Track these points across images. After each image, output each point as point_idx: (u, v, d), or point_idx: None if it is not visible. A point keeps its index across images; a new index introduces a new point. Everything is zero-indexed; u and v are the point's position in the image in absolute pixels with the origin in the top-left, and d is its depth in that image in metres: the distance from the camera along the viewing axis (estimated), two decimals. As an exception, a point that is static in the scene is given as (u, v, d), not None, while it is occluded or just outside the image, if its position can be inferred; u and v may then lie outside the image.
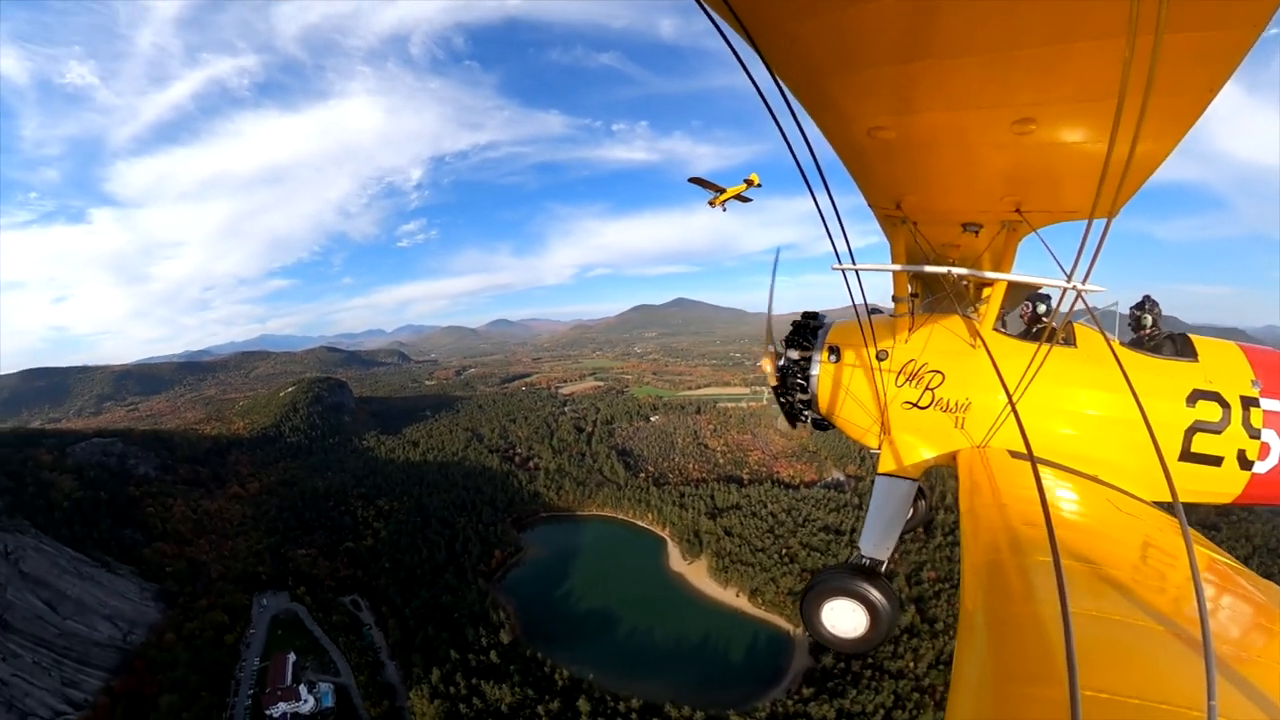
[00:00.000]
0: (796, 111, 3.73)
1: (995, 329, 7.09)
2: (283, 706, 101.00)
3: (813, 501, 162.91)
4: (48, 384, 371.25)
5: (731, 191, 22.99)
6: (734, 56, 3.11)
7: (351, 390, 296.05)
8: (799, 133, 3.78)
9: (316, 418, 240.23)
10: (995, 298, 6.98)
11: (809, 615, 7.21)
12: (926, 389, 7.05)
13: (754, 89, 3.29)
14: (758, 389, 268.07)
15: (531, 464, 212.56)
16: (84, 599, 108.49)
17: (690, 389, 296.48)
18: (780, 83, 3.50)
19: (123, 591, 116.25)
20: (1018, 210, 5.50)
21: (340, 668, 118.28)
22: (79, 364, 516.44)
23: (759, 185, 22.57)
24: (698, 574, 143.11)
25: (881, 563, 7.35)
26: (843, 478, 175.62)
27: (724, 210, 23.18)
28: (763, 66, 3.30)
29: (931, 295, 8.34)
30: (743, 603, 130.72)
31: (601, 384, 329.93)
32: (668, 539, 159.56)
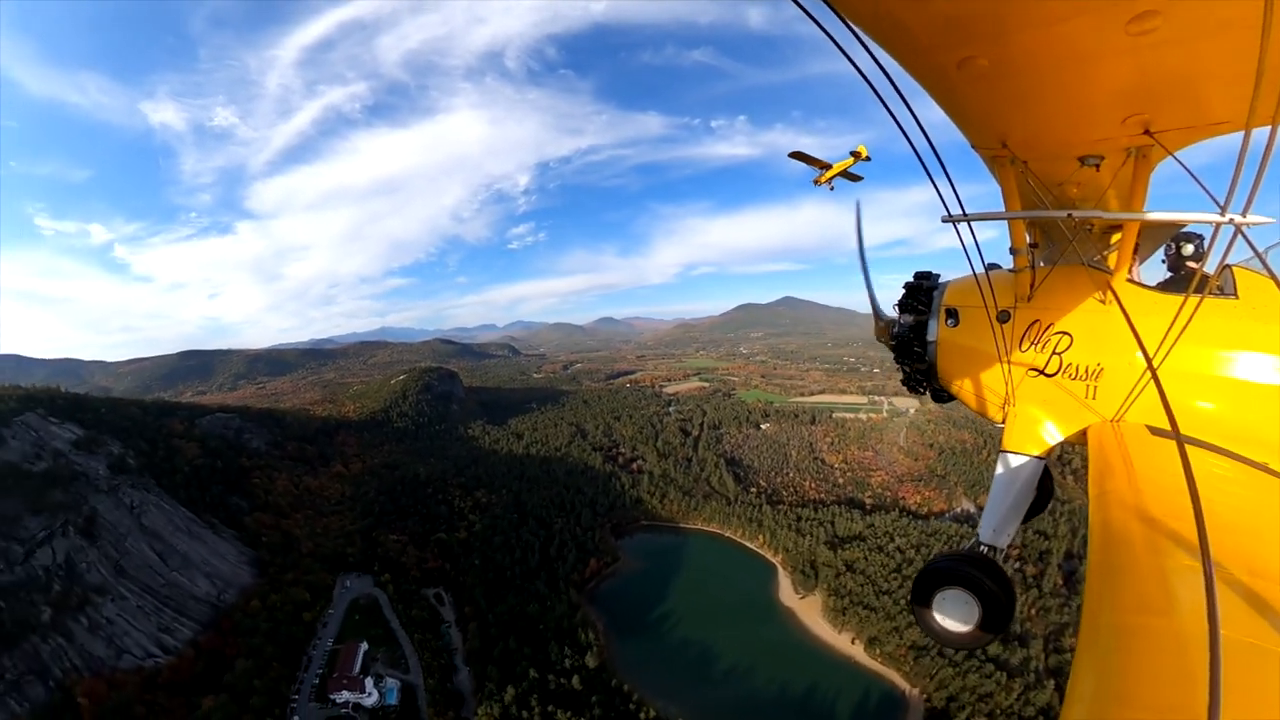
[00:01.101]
0: (887, 65, 3.73)
1: (1129, 279, 6.71)
2: (346, 695, 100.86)
3: (944, 537, 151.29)
4: (198, 363, 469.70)
5: (838, 167, 22.40)
6: (802, 10, 3.11)
7: (461, 380, 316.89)
8: (894, 92, 3.77)
9: (425, 405, 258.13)
10: (1127, 242, 6.53)
11: (918, 603, 7.09)
12: (1053, 353, 6.75)
13: (842, 55, 3.39)
14: (876, 398, 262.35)
15: (635, 466, 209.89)
16: (190, 555, 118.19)
17: (802, 395, 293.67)
18: (856, 29, 3.47)
19: (223, 553, 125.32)
20: (1146, 132, 4.90)
21: (411, 665, 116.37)
22: (224, 348, 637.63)
23: (868, 159, 21.76)
24: (810, 611, 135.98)
25: (1000, 551, 7.06)
26: (974, 509, 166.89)
27: (830, 189, 22.92)
28: (838, 21, 3.31)
29: (1053, 245, 7.96)
30: (857, 651, 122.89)
31: (707, 385, 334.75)
32: (779, 567, 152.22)
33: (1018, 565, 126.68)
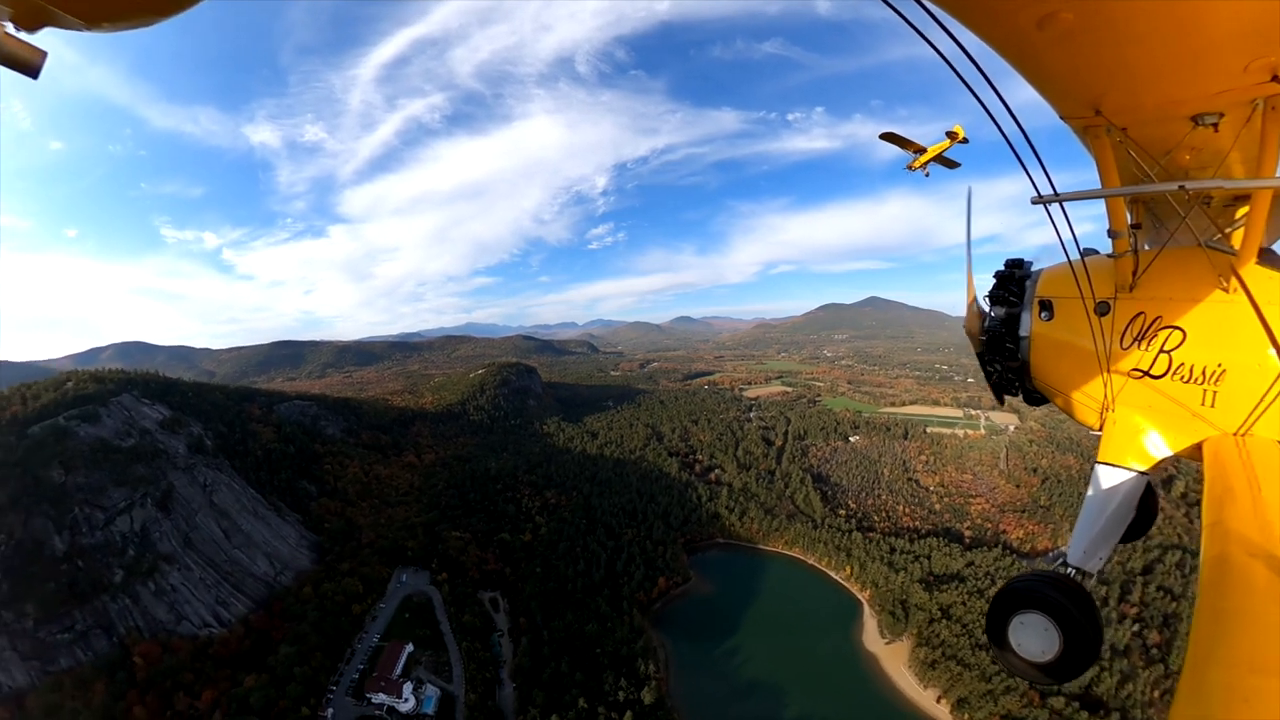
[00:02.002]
0: (967, 42, 3.67)
1: (1260, 263, 6.02)
2: (382, 697, 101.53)
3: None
4: (290, 352, 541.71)
5: (933, 151, 22.21)
6: None
7: (540, 376, 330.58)
8: (975, 68, 3.72)
9: (502, 399, 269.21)
10: (1256, 217, 5.77)
11: (994, 628, 6.85)
12: (1161, 351, 6.33)
13: (914, 31, 3.35)
14: (972, 412, 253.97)
15: (713, 476, 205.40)
16: (252, 535, 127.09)
17: (893, 405, 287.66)
18: (925, 1, 3.37)
19: (285, 535, 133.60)
20: (1276, 78, 4.30)
21: (454, 674, 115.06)
22: (315, 339, 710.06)
23: (965, 141, 21.78)
24: (895, 660, 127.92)
25: (1089, 575, 6.76)
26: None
27: (926, 174, 22.67)
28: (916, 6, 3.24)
29: (1160, 224, 7.30)
30: (942, 713, 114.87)
31: (789, 390, 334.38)
32: (865, 604, 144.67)
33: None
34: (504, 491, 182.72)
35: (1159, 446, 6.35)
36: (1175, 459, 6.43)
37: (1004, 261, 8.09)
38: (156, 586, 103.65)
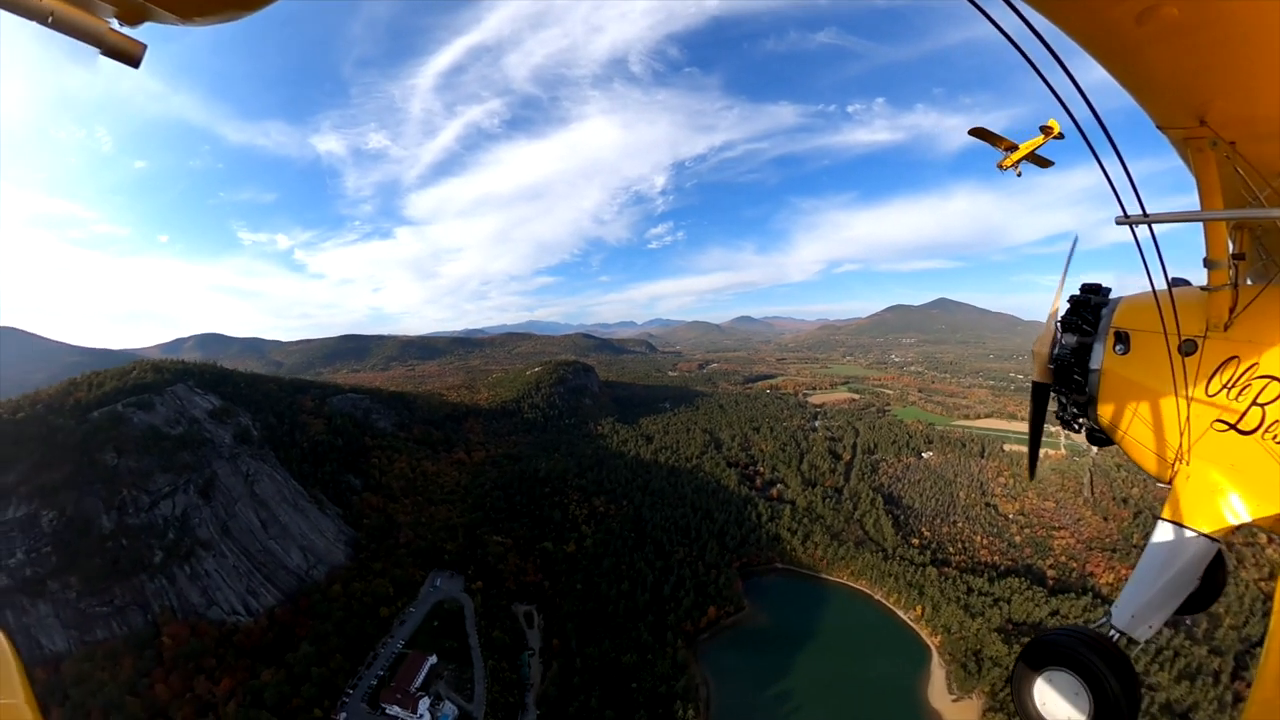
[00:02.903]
0: (1036, 23, 3.39)
1: None
2: (396, 710, 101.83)
3: (1149, 648, 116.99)
4: (355, 346, 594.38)
5: (1026, 148, 21.42)
6: None
7: (597, 374, 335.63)
8: (1048, 54, 3.40)
9: (557, 398, 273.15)
10: None
11: (1018, 683, 6.56)
12: (1254, 404, 5.86)
13: (981, 15, 3.08)
14: (1052, 430, 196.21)
15: (775, 492, 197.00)
16: (290, 527, 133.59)
17: (967, 418, 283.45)
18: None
19: (322, 529, 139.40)
20: None
21: (476, 692, 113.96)
22: (382, 333, 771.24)
23: (1060, 136, 20.92)
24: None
25: (1136, 644, 6.39)
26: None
27: (1018, 174, 22.10)
28: None
29: (1268, 256, 7.08)
30: None
31: (856, 397, 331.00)
32: (935, 651, 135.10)
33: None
34: (551, 495, 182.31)
35: (1238, 511, 5.92)
36: (1252, 526, 6.00)
37: (1080, 285, 7.78)
38: (192, 571, 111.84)
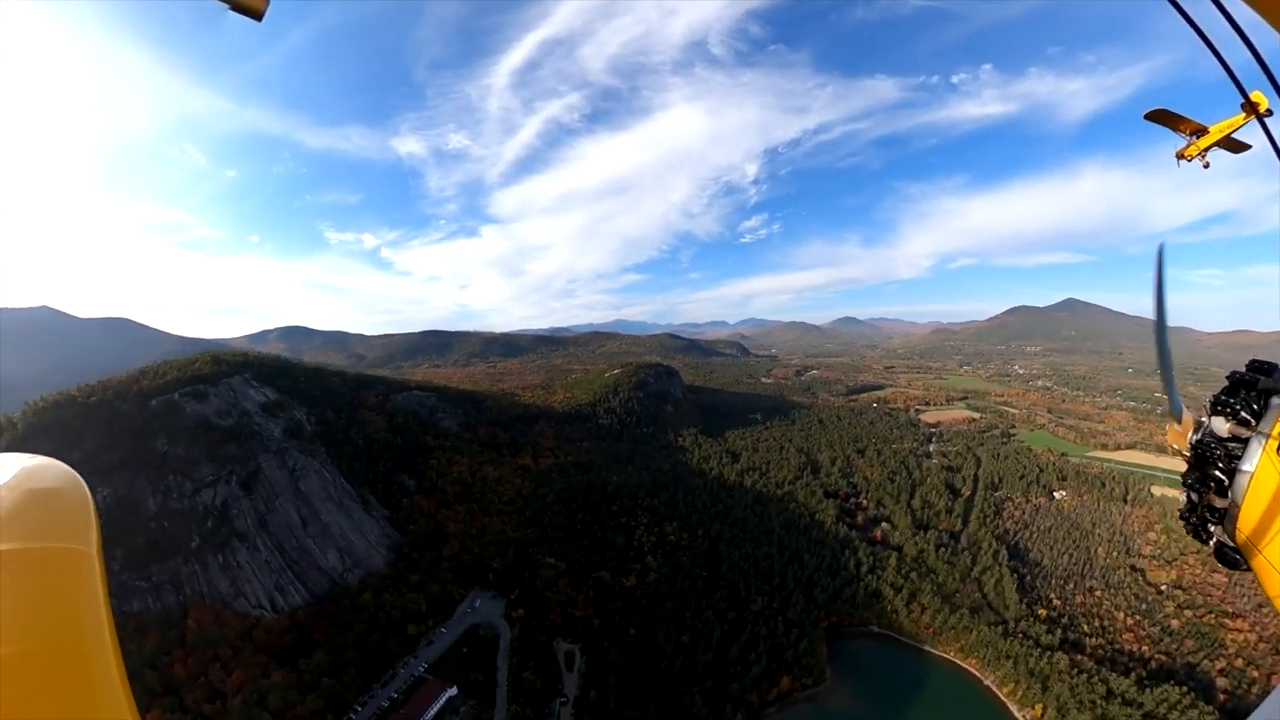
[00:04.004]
0: None
1: None
2: None
3: None
4: (438, 341, 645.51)
5: (1221, 130, 17.30)
6: None
7: (681, 379, 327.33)
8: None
9: (636, 403, 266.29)
10: None
11: None
12: None
13: None
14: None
15: (879, 534, 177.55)
16: (330, 526, 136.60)
17: (1104, 448, 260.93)
18: None
19: (365, 531, 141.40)
20: None
21: None
22: (467, 330, 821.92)
23: (1268, 113, 13.14)
24: None
25: None
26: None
27: (1205, 165, 18.95)
28: None
29: None
30: None
31: (977, 416, 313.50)
32: None
33: None
34: (618, 515, 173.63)
35: None
36: None
37: (1248, 362, 6.51)
38: (224, 560, 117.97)
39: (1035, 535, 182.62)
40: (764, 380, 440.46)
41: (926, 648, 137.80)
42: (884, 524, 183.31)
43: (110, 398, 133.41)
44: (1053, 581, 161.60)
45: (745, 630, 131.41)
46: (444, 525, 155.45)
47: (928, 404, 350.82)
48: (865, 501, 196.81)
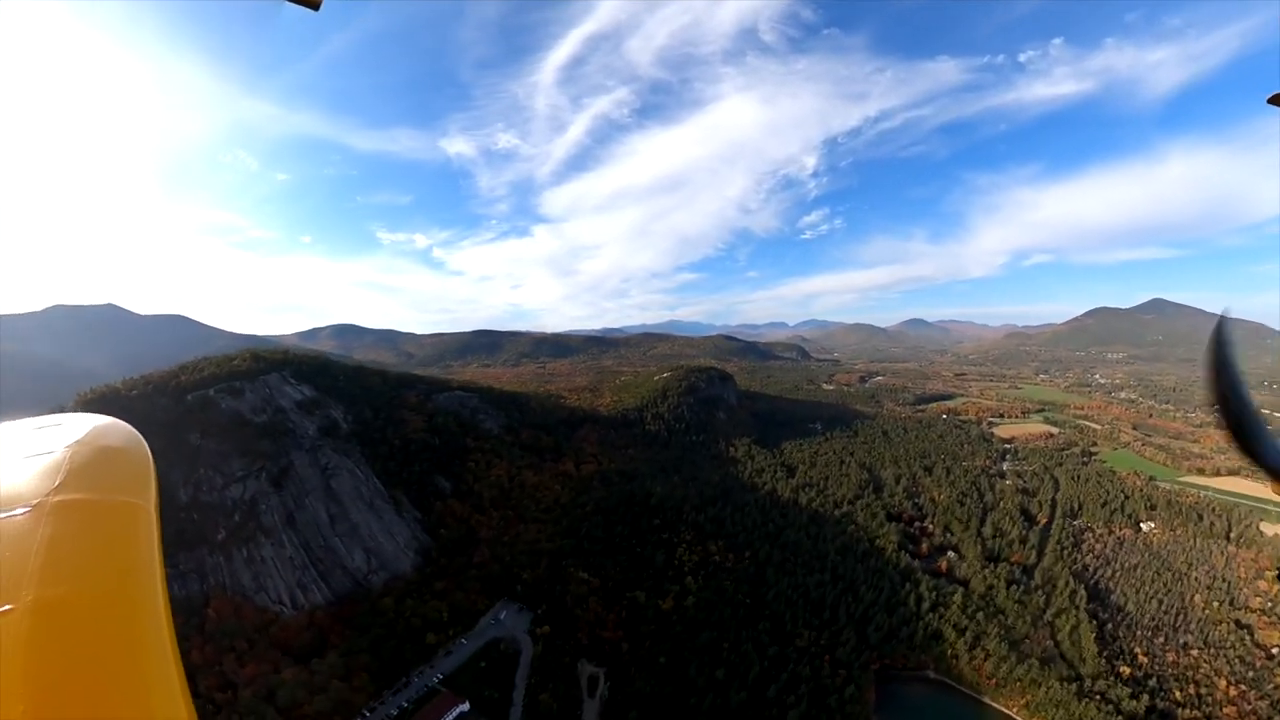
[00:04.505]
0: None
1: None
2: None
3: None
4: (488, 341, 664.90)
5: None
6: None
7: (736, 384, 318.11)
8: None
9: (686, 409, 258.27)
10: None
11: None
12: None
13: None
14: None
15: (944, 564, 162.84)
16: (359, 526, 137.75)
17: (1201, 472, 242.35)
18: None
19: (394, 533, 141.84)
20: None
21: None
22: (518, 329, 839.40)
23: None
24: None
25: None
26: None
27: None
28: None
29: None
30: None
31: (1055, 431, 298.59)
32: None
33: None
34: (660, 530, 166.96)
35: None
36: None
37: None
38: (248, 554, 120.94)
39: (1119, 574, 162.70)
40: (825, 387, 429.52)
41: (987, 700, 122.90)
42: (950, 553, 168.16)
43: (150, 392, 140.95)
44: (1138, 632, 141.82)
45: (787, 669, 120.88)
46: (476, 531, 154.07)
47: (1001, 416, 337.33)
48: (931, 526, 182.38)
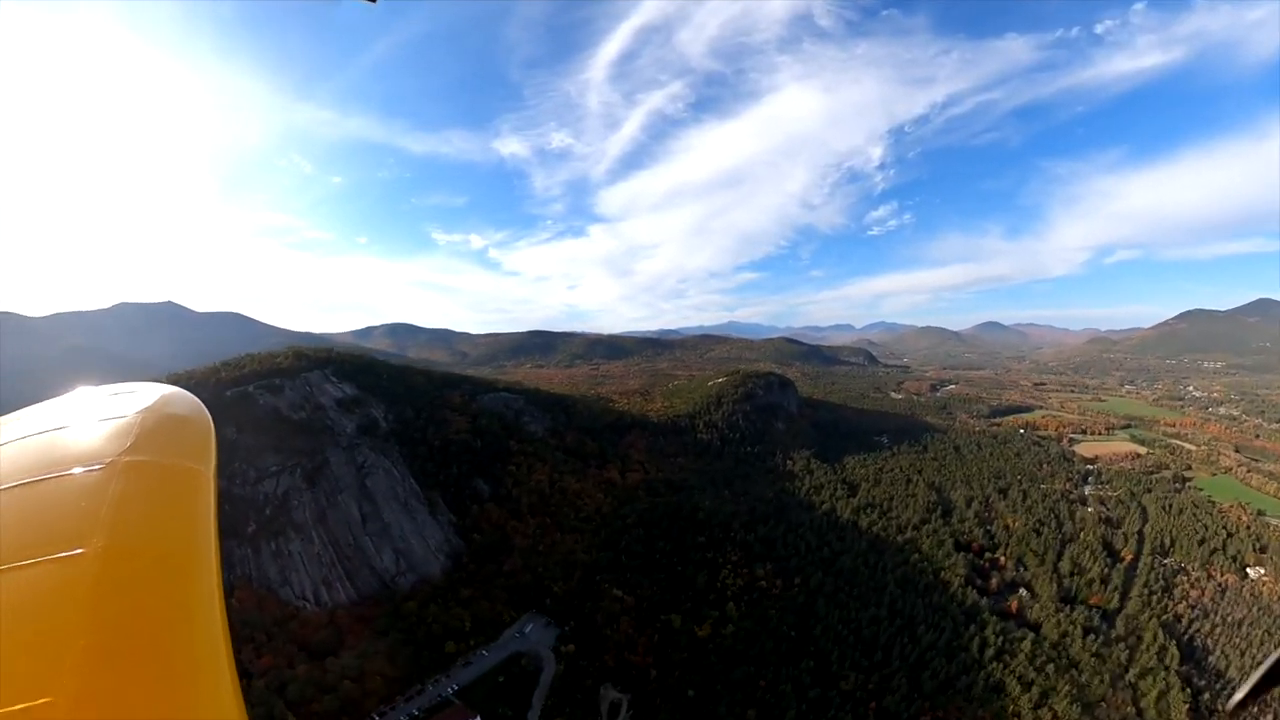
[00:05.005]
0: None
1: None
2: None
3: None
4: (542, 341, 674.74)
5: None
6: None
7: (797, 391, 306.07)
8: None
9: (740, 418, 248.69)
10: None
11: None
12: None
13: None
14: None
15: (1014, 604, 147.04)
16: (391, 527, 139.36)
17: None
18: None
19: (426, 535, 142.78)
20: None
21: None
22: (574, 330, 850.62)
23: None
24: None
25: None
26: None
27: None
28: None
29: None
30: None
31: (1143, 451, 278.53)
32: None
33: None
34: (704, 548, 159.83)
35: None
36: None
37: None
38: (276, 548, 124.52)
39: (1219, 630, 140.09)
40: (893, 395, 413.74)
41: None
42: (1022, 591, 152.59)
43: (192, 386, 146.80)
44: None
45: (828, 715, 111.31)
46: (510, 538, 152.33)
47: (1083, 432, 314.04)
48: (1003, 559, 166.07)
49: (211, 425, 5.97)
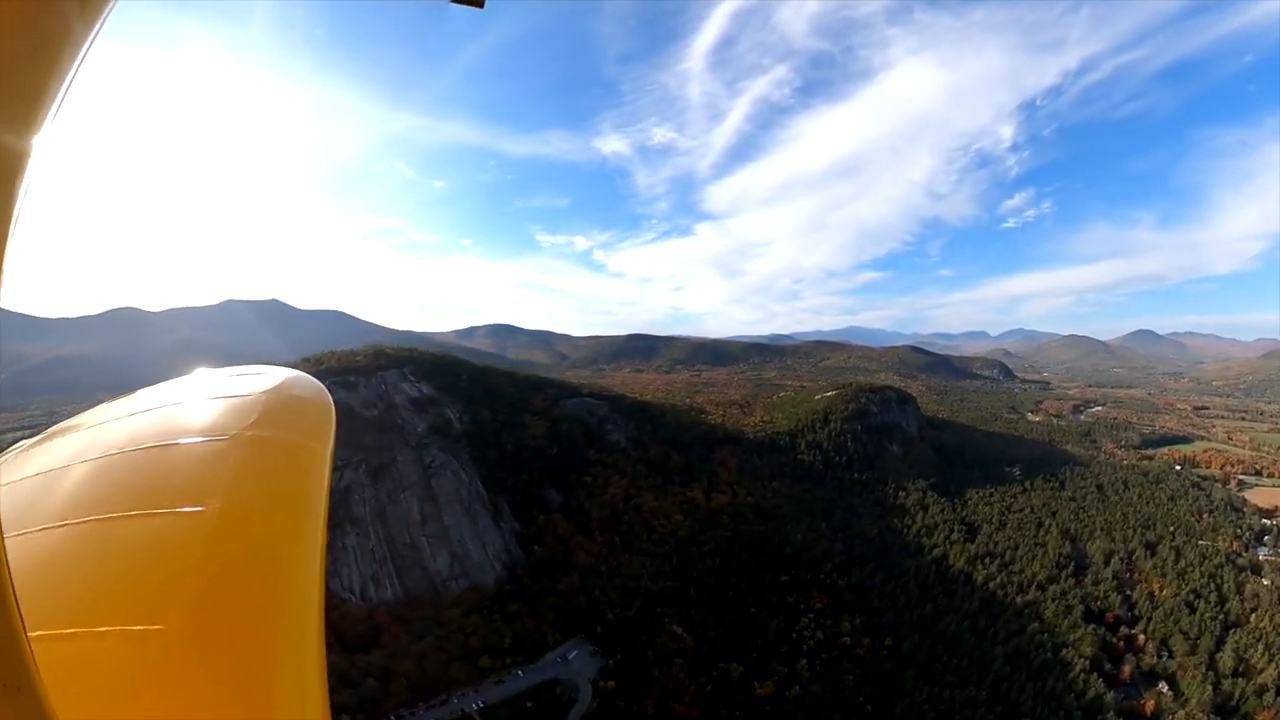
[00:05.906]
0: None
1: None
2: None
3: None
4: (642, 345, 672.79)
5: None
6: None
7: (918, 408, 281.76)
8: None
9: (849, 438, 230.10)
10: None
11: None
12: None
13: None
14: None
15: (1152, 705, 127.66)
16: (450, 529, 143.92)
17: None
18: None
19: (485, 542, 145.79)
20: None
21: None
22: (678, 334, 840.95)
23: None
24: None
25: None
26: None
27: None
28: None
29: None
30: None
31: None
32: None
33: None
34: (786, 588, 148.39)
35: None
36: None
37: None
38: (331, 541, 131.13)
39: None
40: (1030, 417, 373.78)
41: None
42: (1163, 686, 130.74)
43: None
44: None
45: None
46: (573, 554, 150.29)
47: (1258, 473, 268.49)
48: (1143, 638, 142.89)
49: (332, 407, 6.37)
